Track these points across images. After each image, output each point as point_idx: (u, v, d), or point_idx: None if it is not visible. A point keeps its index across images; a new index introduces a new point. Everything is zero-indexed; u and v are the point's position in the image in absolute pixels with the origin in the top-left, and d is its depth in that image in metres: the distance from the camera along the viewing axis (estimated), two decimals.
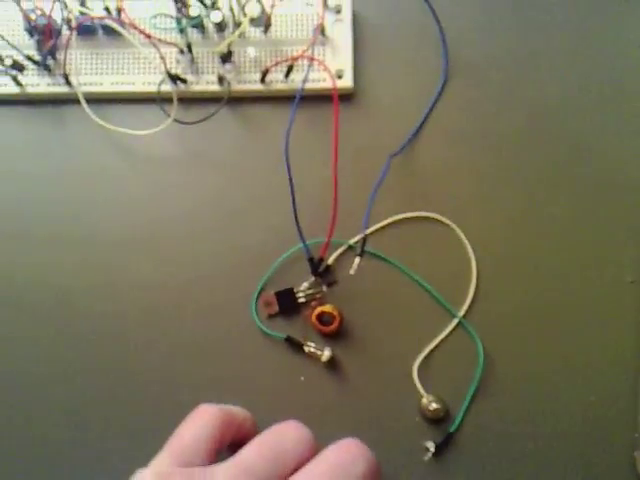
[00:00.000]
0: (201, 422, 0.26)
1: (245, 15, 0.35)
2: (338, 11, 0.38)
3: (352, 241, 0.36)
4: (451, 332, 0.35)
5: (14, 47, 0.37)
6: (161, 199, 0.37)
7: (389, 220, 0.37)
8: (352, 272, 0.33)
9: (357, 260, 0.33)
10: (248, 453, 0.24)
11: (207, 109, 0.37)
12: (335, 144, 0.33)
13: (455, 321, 0.35)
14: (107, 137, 0.38)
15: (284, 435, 0.25)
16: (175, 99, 0.35)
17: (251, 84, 0.37)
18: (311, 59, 0.35)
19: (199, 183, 0.37)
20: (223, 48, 0.36)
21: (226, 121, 0.38)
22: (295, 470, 0.24)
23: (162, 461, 0.25)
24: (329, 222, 0.33)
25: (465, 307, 0.35)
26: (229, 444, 0.27)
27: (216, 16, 0.35)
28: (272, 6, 0.36)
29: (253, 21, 0.35)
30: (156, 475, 0.23)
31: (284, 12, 0.37)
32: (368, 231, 0.36)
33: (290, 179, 0.32)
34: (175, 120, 0.36)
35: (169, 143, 0.38)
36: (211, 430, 0.26)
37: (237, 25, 0.36)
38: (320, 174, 0.36)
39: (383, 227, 0.37)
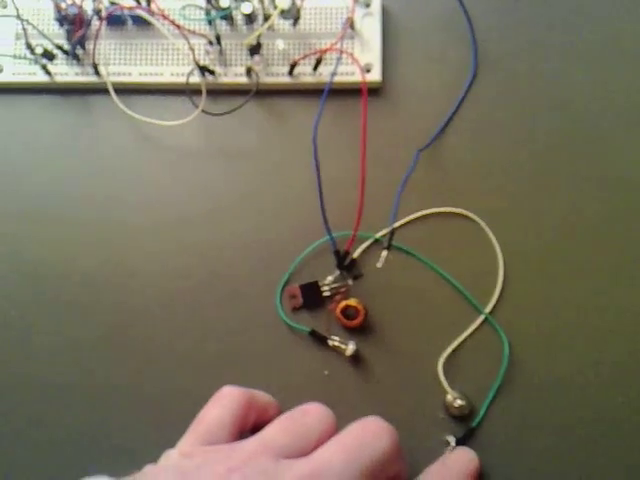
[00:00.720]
0: (225, 403, 0.27)
1: (275, 7, 0.35)
2: (367, 5, 0.38)
3: (378, 235, 0.36)
4: (477, 329, 0.35)
5: (44, 36, 0.37)
6: (188, 190, 0.38)
7: (416, 215, 0.37)
8: (379, 265, 0.33)
9: (384, 253, 0.33)
10: (271, 429, 0.25)
11: (235, 101, 0.37)
12: (363, 138, 0.33)
13: (481, 318, 0.35)
14: (135, 127, 0.38)
15: (307, 413, 0.26)
16: (204, 90, 0.36)
17: (279, 77, 0.37)
18: (340, 52, 0.35)
19: (226, 174, 0.38)
20: (252, 40, 0.36)
21: (254, 113, 0.38)
22: (317, 447, 0.24)
23: (187, 441, 0.25)
24: (355, 216, 0.33)
25: (492, 304, 0.35)
26: (252, 427, 0.28)
27: (246, 8, 0.36)
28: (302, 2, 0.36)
29: (283, 13, 0.35)
30: (182, 454, 0.24)
31: (314, 5, 0.37)
32: (395, 225, 0.36)
33: (317, 171, 0.32)
34: (203, 111, 0.36)
35: (197, 134, 0.38)
36: (235, 411, 0.27)
37: (266, 17, 0.37)
38: (347, 167, 0.36)
39: (410, 222, 0.37)
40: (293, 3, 0.35)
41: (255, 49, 0.36)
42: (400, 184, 0.35)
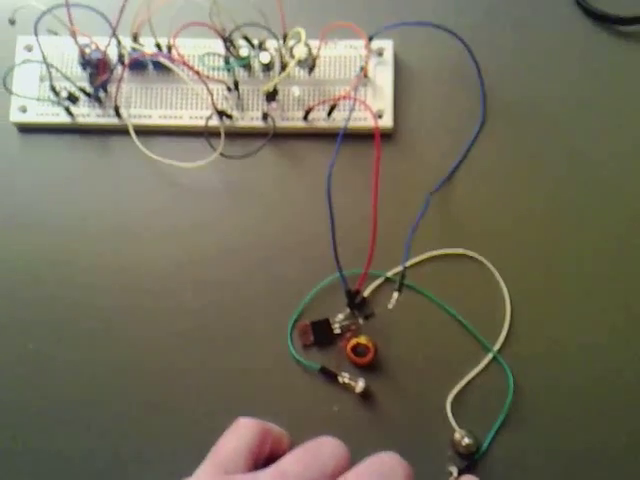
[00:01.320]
0: (241, 433, 0.28)
1: (292, 57, 0.37)
2: (380, 54, 0.40)
3: (389, 274, 0.38)
4: (485, 367, 0.36)
5: (68, 79, 0.39)
6: (203, 229, 0.39)
7: (425, 255, 0.38)
8: (390, 307, 0.34)
9: (395, 295, 0.34)
10: (287, 460, 0.26)
11: (251, 143, 0.39)
12: (375, 181, 0.34)
13: (489, 356, 0.36)
14: (154, 168, 0.39)
15: (322, 446, 0.27)
16: (222, 134, 0.37)
17: (294, 121, 0.39)
18: (354, 100, 0.37)
19: (241, 214, 0.39)
20: (269, 87, 0.37)
21: (270, 156, 0.39)
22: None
23: (205, 470, 0.26)
24: (367, 254, 0.35)
25: (499, 343, 0.36)
26: (266, 458, 0.28)
27: (264, 58, 0.37)
28: (318, 49, 0.37)
29: (299, 63, 0.37)
30: None
31: (328, 54, 0.39)
32: (406, 265, 0.37)
33: (330, 211, 0.34)
34: (221, 155, 0.37)
35: (214, 176, 0.39)
36: (250, 441, 0.27)
37: (283, 65, 0.38)
38: (359, 208, 0.37)
39: (419, 262, 0.38)
40: (309, 53, 0.37)
41: (272, 95, 0.38)
42: (411, 226, 0.36)
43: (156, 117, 0.39)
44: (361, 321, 0.37)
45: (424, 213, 0.37)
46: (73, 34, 0.38)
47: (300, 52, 0.36)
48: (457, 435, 0.35)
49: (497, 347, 0.37)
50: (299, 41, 0.37)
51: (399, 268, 0.37)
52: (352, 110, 0.37)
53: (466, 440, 0.35)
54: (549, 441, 0.36)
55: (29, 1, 0.36)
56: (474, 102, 0.40)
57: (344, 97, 0.38)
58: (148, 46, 0.40)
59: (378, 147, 0.34)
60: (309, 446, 0.27)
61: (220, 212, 0.39)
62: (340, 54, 0.39)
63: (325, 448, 0.27)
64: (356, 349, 0.37)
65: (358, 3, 0.41)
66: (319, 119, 0.39)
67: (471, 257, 0.38)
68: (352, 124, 0.38)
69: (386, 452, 0.26)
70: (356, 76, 0.39)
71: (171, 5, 0.37)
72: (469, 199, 0.39)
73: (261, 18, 0.37)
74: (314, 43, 0.38)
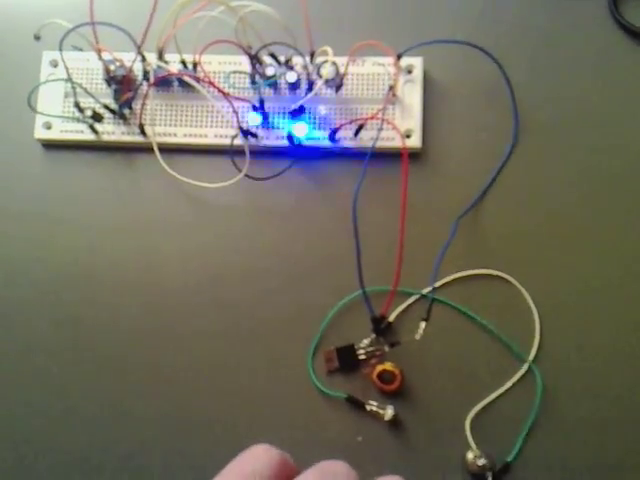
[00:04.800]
0: (257, 459, 0.27)
1: (320, 75, 0.37)
2: (409, 71, 0.40)
3: (412, 299, 0.38)
4: (514, 384, 0.36)
5: (92, 96, 0.39)
6: (226, 249, 0.39)
7: (453, 276, 0.38)
8: (418, 337, 0.34)
9: (423, 325, 0.34)
10: None
11: (277, 162, 0.39)
12: (403, 202, 0.35)
13: (524, 368, 0.37)
14: (177, 186, 0.40)
15: (334, 471, 0.26)
16: (247, 154, 0.37)
17: (321, 140, 0.39)
18: (382, 121, 0.37)
19: (264, 234, 0.39)
20: (295, 107, 0.38)
21: (295, 175, 0.40)
22: None
23: None
24: (392, 277, 0.35)
25: (532, 355, 0.37)
26: None
27: (291, 77, 0.37)
28: (346, 67, 0.37)
29: (327, 82, 0.37)
30: None
31: (356, 71, 0.39)
32: (434, 286, 0.37)
33: (355, 231, 0.34)
34: (246, 175, 0.38)
35: (238, 195, 0.40)
36: (266, 470, 0.27)
37: (310, 83, 0.38)
38: (385, 229, 0.38)
39: (447, 283, 0.38)
40: (337, 72, 0.37)
41: (298, 112, 0.38)
42: (439, 249, 0.37)
43: (181, 135, 0.40)
44: (387, 348, 0.37)
45: (452, 239, 0.37)
46: (98, 52, 0.38)
47: (327, 71, 0.36)
48: (470, 455, 0.35)
49: (531, 358, 0.37)
50: (326, 60, 0.37)
51: (426, 290, 0.37)
52: (380, 130, 0.37)
53: (481, 461, 0.35)
54: (577, 452, 0.36)
55: (54, 19, 0.37)
56: (506, 121, 0.40)
57: (372, 118, 0.38)
58: (173, 63, 0.40)
59: (406, 168, 0.35)
60: (321, 468, 0.26)
61: (243, 231, 0.39)
62: (368, 72, 0.40)
63: (337, 474, 0.26)
64: (382, 375, 0.37)
65: (386, 20, 0.42)
66: (346, 138, 0.39)
67: (499, 277, 0.38)
68: (380, 144, 0.38)
69: (393, 476, 0.26)
70: (385, 97, 0.38)
71: (197, 21, 0.37)
72: (498, 220, 0.39)
73: (288, 35, 0.37)
74: (341, 60, 0.38)
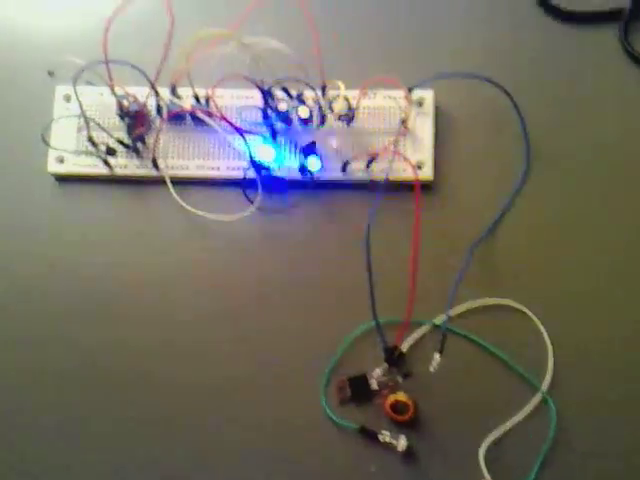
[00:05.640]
0: None
1: (332, 109, 0.38)
2: (420, 104, 0.40)
3: (426, 328, 0.38)
4: (529, 414, 0.37)
5: (106, 131, 0.40)
6: (239, 281, 0.40)
7: (466, 306, 0.38)
8: (432, 370, 0.35)
9: (437, 357, 0.35)
10: None
11: (289, 194, 0.40)
12: (416, 234, 0.35)
13: (537, 398, 0.37)
14: (190, 219, 0.40)
15: None
16: (260, 187, 0.38)
17: (333, 172, 0.40)
18: (394, 154, 0.38)
19: (276, 263, 0.40)
20: (307, 141, 0.38)
21: (308, 207, 0.40)
22: None
23: None
24: (405, 306, 0.35)
25: (546, 384, 0.37)
26: None
27: (303, 112, 0.38)
28: (358, 101, 0.38)
29: (339, 116, 0.38)
30: None
31: (367, 104, 0.40)
32: (445, 317, 0.37)
33: (368, 261, 0.34)
34: (258, 209, 0.38)
35: (250, 227, 0.40)
36: None
37: (322, 117, 0.39)
38: (398, 259, 0.38)
39: (459, 313, 0.38)
40: (349, 106, 0.38)
41: (310, 147, 0.39)
42: (453, 279, 0.37)
43: (193, 168, 0.40)
44: (400, 379, 0.37)
45: (466, 269, 0.37)
46: (111, 88, 0.39)
47: (339, 106, 0.37)
48: None
49: (545, 388, 0.37)
50: (338, 94, 0.37)
51: (439, 319, 0.38)
52: (391, 162, 0.38)
53: None
54: None
55: (68, 54, 0.37)
56: (517, 152, 0.40)
57: (384, 150, 0.38)
58: (186, 97, 0.40)
59: (418, 200, 0.35)
60: None
61: (256, 263, 0.40)
62: (379, 104, 0.40)
63: None
64: (395, 406, 0.37)
65: (396, 53, 0.42)
66: (358, 170, 0.40)
67: (512, 307, 0.38)
68: (392, 176, 0.39)
69: None
70: (397, 131, 0.39)
71: (210, 57, 0.38)
72: (511, 250, 0.39)
73: (300, 69, 0.37)
74: (353, 93, 0.39)
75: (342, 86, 0.37)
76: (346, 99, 0.37)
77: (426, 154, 0.39)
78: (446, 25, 0.43)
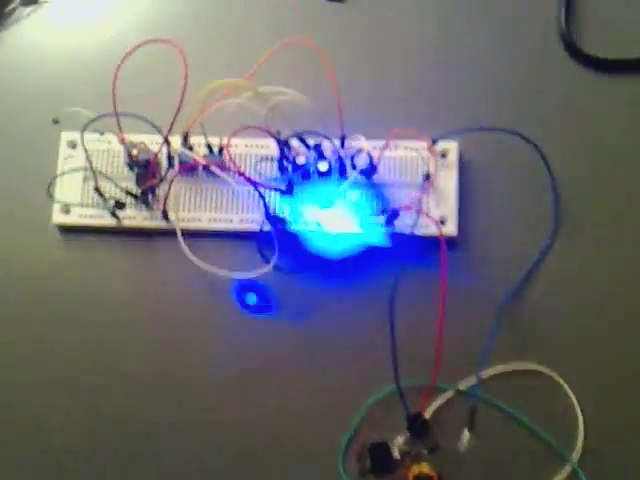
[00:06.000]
0: None
1: (354, 165, 0.36)
2: (444, 155, 0.38)
3: (450, 394, 0.36)
4: None
5: (113, 182, 0.38)
6: (253, 342, 0.38)
7: (492, 371, 0.37)
8: (462, 449, 0.33)
9: (467, 435, 0.33)
10: None
11: (307, 250, 0.38)
12: (442, 293, 0.33)
13: (566, 471, 0.35)
14: (201, 275, 0.38)
15: None
16: (276, 245, 0.36)
17: (352, 227, 0.38)
18: (417, 212, 0.36)
19: (295, 324, 0.38)
20: (327, 197, 0.36)
21: (326, 263, 0.38)
22: None
23: None
24: (429, 371, 0.33)
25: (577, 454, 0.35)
26: None
27: (323, 166, 0.36)
28: (380, 154, 0.36)
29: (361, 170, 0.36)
30: None
31: (389, 156, 0.38)
32: (468, 383, 0.36)
33: (391, 322, 0.33)
34: (275, 268, 0.36)
35: (266, 283, 0.38)
36: None
37: (341, 169, 0.37)
38: (422, 319, 0.36)
39: (485, 379, 0.36)
40: (371, 160, 0.36)
41: (329, 201, 0.37)
42: (478, 344, 0.35)
43: (205, 220, 0.39)
44: (425, 453, 0.35)
45: (497, 332, 0.36)
46: (121, 140, 0.37)
47: (362, 161, 0.35)
48: None
49: (575, 459, 0.35)
50: (360, 149, 0.36)
51: (464, 385, 0.36)
52: (416, 220, 0.36)
53: None
54: None
55: (74, 100, 0.36)
56: (546, 206, 0.39)
57: (406, 208, 0.36)
58: (198, 146, 0.39)
59: (444, 258, 0.33)
60: None
61: (272, 323, 0.38)
62: (401, 156, 0.39)
63: None
64: (418, 478, 0.35)
65: (419, 103, 0.41)
66: (379, 225, 0.38)
67: (540, 372, 0.36)
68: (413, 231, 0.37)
69: None
70: (420, 184, 0.37)
71: (224, 106, 0.36)
72: (540, 311, 0.38)
73: (317, 119, 0.36)
74: (373, 144, 0.37)
75: (364, 141, 0.35)
76: (369, 154, 0.36)
77: (450, 209, 0.38)
78: (469, 74, 0.41)
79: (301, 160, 0.36)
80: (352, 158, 0.37)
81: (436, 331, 0.33)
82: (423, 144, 0.38)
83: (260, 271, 0.36)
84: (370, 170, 0.37)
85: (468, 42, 0.42)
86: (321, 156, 0.38)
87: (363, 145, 0.35)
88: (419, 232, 0.38)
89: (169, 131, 0.36)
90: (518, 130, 0.37)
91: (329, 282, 0.38)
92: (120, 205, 0.38)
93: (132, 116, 0.36)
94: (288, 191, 0.37)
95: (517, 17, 0.42)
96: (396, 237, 0.38)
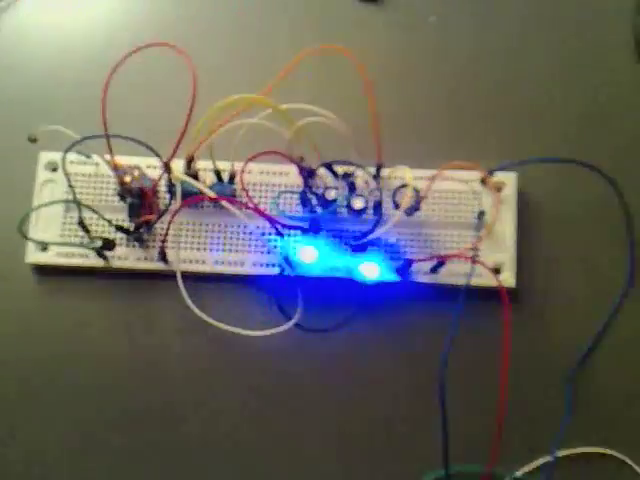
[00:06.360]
0: None
1: (395, 202, 0.30)
2: (499, 189, 0.32)
3: None
4: None
5: (101, 216, 0.32)
6: (271, 416, 0.32)
7: (559, 454, 0.30)
8: None
9: None
10: None
11: (335, 302, 0.32)
12: (505, 358, 0.26)
13: None
14: (204, 329, 0.32)
15: None
16: (300, 297, 0.30)
17: (389, 277, 0.31)
18: (473, 261, 0.29)
19: (319, 396, 0.32)
20: (359, 238, 0.30)
21: (359, 321, 0.32)
22: None
23: None
24: (485, 455, 0.27)
25: None
26: None
27: (358, 204, 0.30)
28: (427, 190, 0.30)
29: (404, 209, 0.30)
30: None
31: (434, 188, 0.32)
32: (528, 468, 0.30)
33: (441, 394, 0.26)
34: (297, 325, 0.30)
35: (285, 346, 0.32)
36: None
37: (377, 205, 0.31)
38: (476, 389, 0.31)
39: (547, 464, 0.30)
40: (417, 196, 0.30)
41: (364, 247, 0.31)
42: (542, 423, 0.30)
43: (211, 263, 0.32)
44: None
45: (570, 413, 0.30)
46: (112, 164, 0.31)
47: (406, 199, 0.29)
48: None
49: None
50: (405, 184, 0.29)
51: (521, 472, 0.30)
52: (471, 271, 0.30)
53: None
54: None
55: (57, 127, 0.30)
56: (620, 250, 0.33)
57: (458, 256, 0.30)
58: (205, 172, 0.33)
59: (507, 316, 0.26)
60: None
61: (291, 392, 0.32)
62: (448, 189, 0.32)
63: None
64: None
65: (470, 127, 0.35)
66: (419, 272, 0.32)
67: (612, 457, 0.31)
68: (457, 280, 0.31)
69: None
70: (472, 225, 0.31)
71: (237, 127, 0.30)
72: (613, 381, 0.32)
73: (350, 144, 0.30)
74: (414, 173, 0.30)
75: (409, 173, 0.29)
76: (415, 191, 0.29)
77: (507, 254, 0.32)
78: (530, 96, 0.35)
79: (331, 194, 0.30)
80: (394, 193, 0.30)
81: (497, 409, 0.26)
82: (475, 175, 0.32)
83: (278, 329, 0.30)
84: (413, 207, 0.31)
85: (529, 57, 0.36)
86: (352, 189, 0.31)
87: (407, 177, 0.29)
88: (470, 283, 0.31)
89: (172, 155, 0.29)
90: (590, 162, 0.31)
91: (361, 342, 0.32)
92: (108, 244, 0.31)
93: (125, 137, 0.29)
94: (313, 230, 0.31)
95: (587, 28, 0.36)
96: (441, 289, 0.32)
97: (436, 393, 0.26)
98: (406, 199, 0.28)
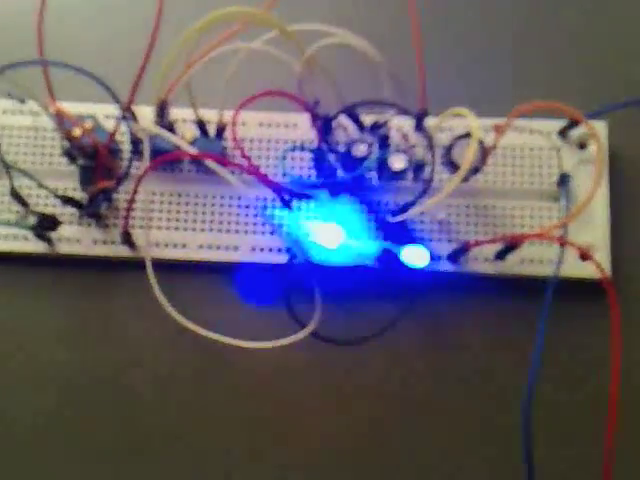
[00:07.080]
0: None
1: (455, 168, 0.21)
2: (582, 146, 0.24)
3: None
4: None
5: (41, 184, 0.23)
6: (270, 438, 0.24)
7: None
8: None
9: None
10: None
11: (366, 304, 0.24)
12: (615, 374, 0.19)
13: None
14: (181, 334, 0.24)
15: None
16: (319, 300, 0.21)
17: (439, 264, 0.23)
18: (561, 243, 0.21)
19: (345, 421, 0.24)
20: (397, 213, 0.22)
21: (402, 324, 0.24)
22: None
23: None
24: None
25: None
26: None
27: (398, 163, 0.22)
28: (495, 144, 0.22)
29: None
30: None
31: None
32: None
33: (526, 425, 0.19)
34: (314, 335, 0.22)
35: (297, 358, 0.24)
36: None
37: (417, 167, 0.23)
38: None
39: None
40: (482, 152, 0.21)
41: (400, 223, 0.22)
42: None
43: (194, 247, 0.25)
44: None
45: None
46: (54, 111, 0.22)
47: (469, 157, 0.20)
48: None
49: None
50: (466, 133, 0.21)
51: None
52: (560, 257, 0.22)
53: None
54: None
55: None
56: None
57: (538, 236, 0.22)
58: (183, 122, 0.25)
59: (617, 320, 0.19)
60: None
61: (309, 419, 0.24)
62: (513, 144, 0.24)
63: None
64: None
65: (540, 63, 0.27)
66: (479, 259, 0.24)
67: None
68: (530, 269, 0.24)
69: None
70: (552, 194, 0.23)
71: (227, 57, 0.22)
72: None
73: (384, 82, 0.22)
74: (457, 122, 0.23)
75: (474, 120, 0.20)
76: (481, 143, 0.21)
77: (599, 233, 0.24)
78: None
79: (360, 150, 0.21)
80: (449, 149, 0.22)
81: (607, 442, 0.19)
82: (553, 124, 0.23)
83: (288, 339, 0.22)
84: (472, 170, 0.22)
85: None
86: (384, 144, 0.23)
87: (472, 125, 0.20)
88: (536, 270, 0.24)
89: (132, 94, 0.21)
90: None
91: (402, 360, 0.25)
92: (49, 221, 0.23)
93: (71, 69, 0.21)
94: (332, 201, 0.22)
95: None
96: (509, 282, 0.24)
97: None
98: (469, 157, 0.20)
